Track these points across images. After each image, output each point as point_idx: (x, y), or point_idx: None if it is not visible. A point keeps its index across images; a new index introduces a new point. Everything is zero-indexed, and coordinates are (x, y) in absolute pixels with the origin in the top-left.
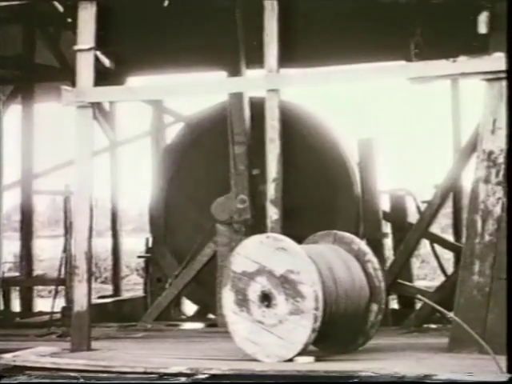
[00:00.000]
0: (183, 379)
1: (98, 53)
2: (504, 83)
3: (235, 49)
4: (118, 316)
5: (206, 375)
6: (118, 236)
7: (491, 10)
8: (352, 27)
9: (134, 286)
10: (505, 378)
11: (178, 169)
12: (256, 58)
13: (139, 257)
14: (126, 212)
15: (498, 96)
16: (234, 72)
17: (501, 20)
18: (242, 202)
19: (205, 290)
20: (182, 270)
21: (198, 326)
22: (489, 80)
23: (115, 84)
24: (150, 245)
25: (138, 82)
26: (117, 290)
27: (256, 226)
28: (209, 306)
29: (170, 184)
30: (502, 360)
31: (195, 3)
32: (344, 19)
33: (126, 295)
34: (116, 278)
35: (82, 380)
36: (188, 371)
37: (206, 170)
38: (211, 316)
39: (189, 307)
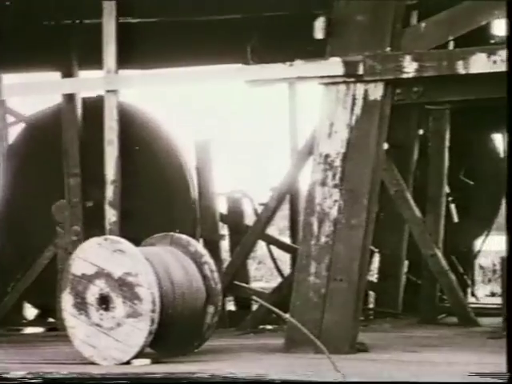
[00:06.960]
0: None
1: None
2: (340, 87)
3: (68, 49)
4: None
5: (42, 379)
6: None
7: (327, 15)
8: (192, 29)
9: None
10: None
11: (19, 170)
12: (93, 59)
13: None
14: None
15: (335, 100)
16: (67, 73)
17: (336, 26)
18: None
19: (45, 293)
20: (23, 274)
21: (39, 330)
22: (325, 84)
23: None
24: None
25: None
26: None
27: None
28: (49, 310)
29: (13, 185)
30: (338, 360)
31: (34, 3)
32: (184, 21)
33: None
34: None
35: None
36: (29, 375)
37: (46, 172)
38: (52, 320)
39: (30, 311)
